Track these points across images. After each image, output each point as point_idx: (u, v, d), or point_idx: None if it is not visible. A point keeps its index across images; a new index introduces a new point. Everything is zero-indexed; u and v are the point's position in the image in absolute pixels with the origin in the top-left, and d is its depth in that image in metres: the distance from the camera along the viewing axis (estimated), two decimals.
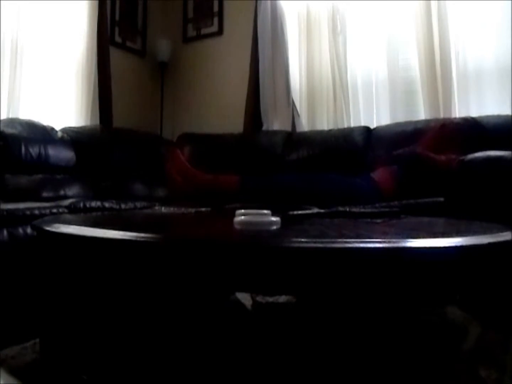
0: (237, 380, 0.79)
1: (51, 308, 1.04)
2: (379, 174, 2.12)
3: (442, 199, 1.37)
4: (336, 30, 2.92)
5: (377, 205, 1.34)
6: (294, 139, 2.86)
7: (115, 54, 3.27)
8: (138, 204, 2.20)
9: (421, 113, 2.65)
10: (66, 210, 1.91)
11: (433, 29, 2.58)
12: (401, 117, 2.65)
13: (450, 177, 1.73)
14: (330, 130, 2.81)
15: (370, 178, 2.10)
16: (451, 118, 2.36)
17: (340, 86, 2.89)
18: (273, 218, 0.95)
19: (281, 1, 3.16)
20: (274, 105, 3.12)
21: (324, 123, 2.97)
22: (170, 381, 0.83)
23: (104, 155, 2.78)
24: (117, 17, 3.41)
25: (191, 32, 3.68)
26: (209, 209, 1.84)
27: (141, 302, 0.85)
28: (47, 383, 0.95)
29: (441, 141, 2.14)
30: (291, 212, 1.25)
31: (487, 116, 2.28)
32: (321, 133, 2.81)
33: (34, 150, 2.40)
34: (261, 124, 3.15)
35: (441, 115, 2.52)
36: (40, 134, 2.50)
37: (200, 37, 3.63)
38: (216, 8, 3.53)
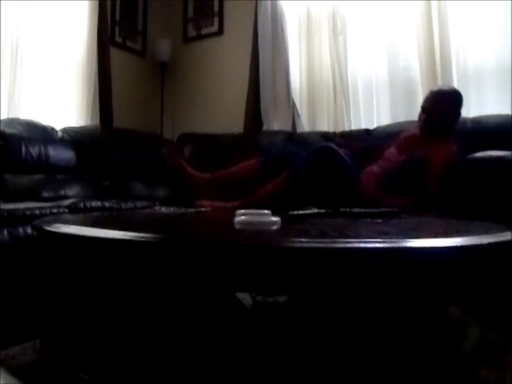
0: (236, 379, 0.79)
1: (51, 308, 1.04)
2: (365, 177, 2.12)
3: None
4: (336, 30, 2.92)
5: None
6: (294, 139, 2.86)
7: (115, 54, 3.27)
8: (138, 204, 2.20)
9: None
10: (66, 210, 1.91)
11: (433, 29, 2.58)
12: (402, 117, 2.65)
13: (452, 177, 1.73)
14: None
15: (358, 178, 2.10)
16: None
17: (340, 86, 2.89)
18: (273, 218, 0.95)
19: (281, 1, 3.16)
20: (275, 105, 3.12)
21: (325, 123, 2.97)
22: (170, 381, 0.83)
23: (104, 155, 2.78)
24: (117, 17, 3.41)
25: (191, 32, 3.68)
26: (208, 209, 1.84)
27: (141, 302, 0.85)
28: (47, 383, 0.95)
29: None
30: (291, 212, 1.25)
31: (487, 116, 2.28)
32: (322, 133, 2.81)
33: (34, 150, 2.40)
34: (261, 124, 3.15)
35: None
36: (40, 134, 2.50)
37: (200, 37, 3.63)
38: (216, 8, 3.53)
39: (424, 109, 2.13)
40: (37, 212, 1.76)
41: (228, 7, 3.49)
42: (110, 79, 3.14)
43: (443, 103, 2.10)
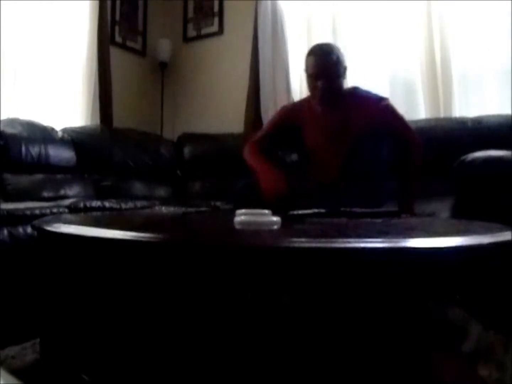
0: (236, 380, 0.79)
1: (51, 308, 1.04)
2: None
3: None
4: (336, 31, 2.92)
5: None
6: None
7: (115, 54, 3.27)
8: (138, 204, 2.20)
9: (422, 113, 2.65)
10: (66, 210, 1.91)
11: (434, 29, 2.58)
12: None
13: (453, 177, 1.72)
14: None
15: None
16: None
17: None
18: (273, 218, 0.95)
19: (281, 2, 3.16)
20: (275, 105, 3.12)
21: None
22: (170, 381, 0.83)
23: (104, 155, 2.79)
24: (117, 17, 3.41)
25: (191, 32, 3.68)
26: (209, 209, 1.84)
27: (141, 302, 0.85)
28: (47, 383, 0.95)
29: None
30: (291, 212, 1.25)
31: (487, 116, 2.28)
32: None
33: (34, 150, 2.41)
34: (261, 124, 3.14)
35: (441, 115, 2.53)
36: (41, 134, 2.50)
37: (200, 37, 3.63)
38: (216, 8, 3.53)
39: (318, 75, 1.79)
40: (37, 212, 1.76)
41: (228, 7, 3.49)
42: (110, 79, 3.14)
43: (334, 62, 1.81)
